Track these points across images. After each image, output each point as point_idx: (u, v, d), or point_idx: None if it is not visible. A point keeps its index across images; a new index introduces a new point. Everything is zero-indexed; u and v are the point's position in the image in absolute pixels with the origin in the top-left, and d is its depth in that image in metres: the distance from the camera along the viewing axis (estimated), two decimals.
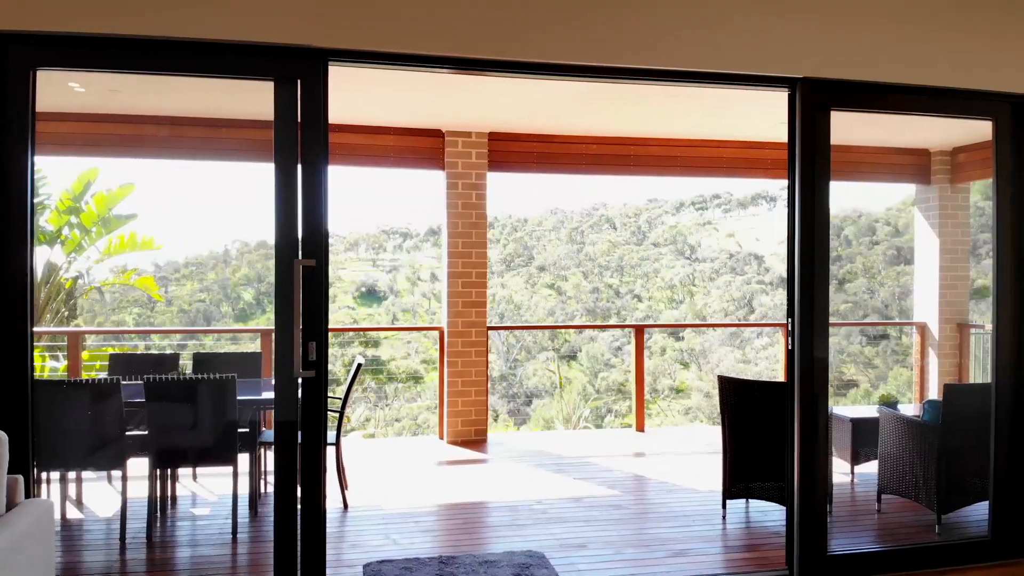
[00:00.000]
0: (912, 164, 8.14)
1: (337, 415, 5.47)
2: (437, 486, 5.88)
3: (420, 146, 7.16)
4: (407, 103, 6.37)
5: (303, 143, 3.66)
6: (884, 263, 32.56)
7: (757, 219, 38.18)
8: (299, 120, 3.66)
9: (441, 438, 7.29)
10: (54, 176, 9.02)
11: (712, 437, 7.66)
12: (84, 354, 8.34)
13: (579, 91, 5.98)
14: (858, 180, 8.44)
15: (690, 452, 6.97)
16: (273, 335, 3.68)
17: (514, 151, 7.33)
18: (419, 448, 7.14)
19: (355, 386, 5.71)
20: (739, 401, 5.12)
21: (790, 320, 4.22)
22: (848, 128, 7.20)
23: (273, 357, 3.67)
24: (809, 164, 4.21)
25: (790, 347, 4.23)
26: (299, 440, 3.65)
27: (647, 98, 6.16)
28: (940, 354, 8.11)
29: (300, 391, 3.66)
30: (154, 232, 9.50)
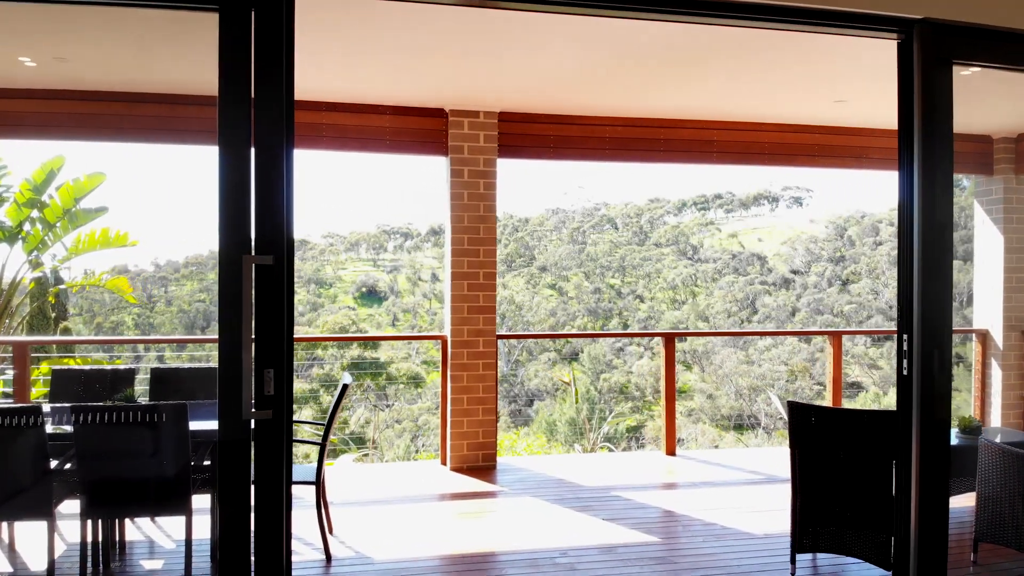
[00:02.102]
0: (972, 152, 7.05)
1: (319, 447, 4.37)
2: (439, 529, 4.79)
3: (420, 127, 6.04)
4: (403, 75, 5.27)
5: (258, 101, 2.58)
6: (888, 264, 31.56)
7: (760, 219, 37.13)
8: (253, 68, 2.58)
9: (444, 463, 6.17)
10: (15, 164, 7.93)
11: (744, 461, 6.57)
12: (44, 366, 7.25)
13: (605, 61, 4.90)
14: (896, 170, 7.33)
15: (728, 482, 5.88)
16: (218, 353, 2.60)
17: (528, 134, 6.21)
18: (418, 476, 6.04)
19: (341, 409, 4.63)
20: (818, 433, 4.03)
21: (906, 336, 3.14)
22: (876, 110, 6.10)
23: (218, 388, 2.59)
24: (929, 139, 3.14)
25: (904, 371, 3.15)
26: (252, 503, 2.58)
27: (683, 68, 5.08)
28: (1003, 365, 7.03)
29: (253, 438, 2.58)
30: (129, 227, 8.40)
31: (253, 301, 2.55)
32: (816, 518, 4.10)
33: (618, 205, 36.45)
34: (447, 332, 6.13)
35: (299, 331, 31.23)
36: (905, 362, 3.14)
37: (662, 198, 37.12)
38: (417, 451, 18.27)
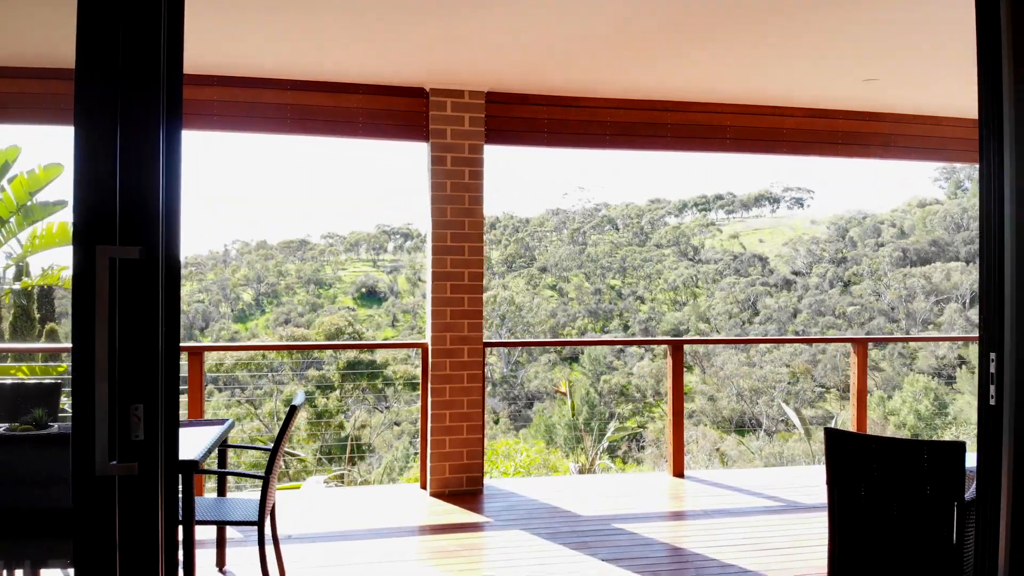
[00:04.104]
0: None
1: (263, 479, 3.61)
2: (412, 571, 4.03)
3: (396, 109, 5.28)
4: (375, 47, 4.52)
5: (126, 61, 1.83)
6: (890, 265, 30.78)
7: (761, 220, 36.36)
8: (122, 22, 1.83)
9: (424, 487, 5.40)
10: None
11: (760, 483, 5.80)
12: None
13: (604, 28, 4.14)
14: (928, 159, 6.56)
15: (743, 510, 5.10)
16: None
17: (519, 117, 5.45)
18: (394, 503, 5.26)
19: (290, 431, 3.84)
20: (863, 467, 3.28)
21: (994, 355, 2.38)
22: (908, 91, 5.39)
23: (71, 431, 1.84)
24: (1021, 106, 2.38)
25: (992, 399, 2.39)
26: None
27: (692, 36, 4.33)
28: None
29: (116, 503, 1.83)
30: None
31: (116, 308, 1.80)
32: (857, 567, 3.35)
33: (619, 206, 35.72)
34: (427, 339, 5.38)
35: (295, 333, 30.44)
36: (993, 388, 2.39)
37: (663, 199, 36.39)
38: (416, 453, 17.55)
